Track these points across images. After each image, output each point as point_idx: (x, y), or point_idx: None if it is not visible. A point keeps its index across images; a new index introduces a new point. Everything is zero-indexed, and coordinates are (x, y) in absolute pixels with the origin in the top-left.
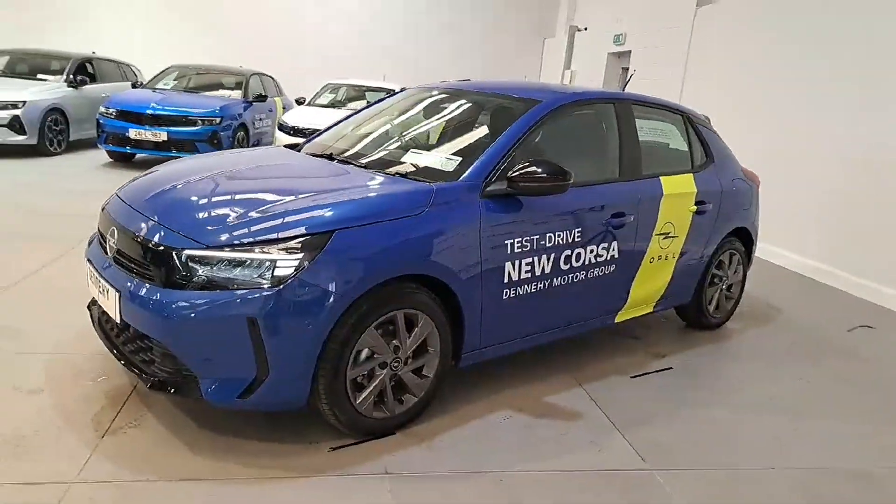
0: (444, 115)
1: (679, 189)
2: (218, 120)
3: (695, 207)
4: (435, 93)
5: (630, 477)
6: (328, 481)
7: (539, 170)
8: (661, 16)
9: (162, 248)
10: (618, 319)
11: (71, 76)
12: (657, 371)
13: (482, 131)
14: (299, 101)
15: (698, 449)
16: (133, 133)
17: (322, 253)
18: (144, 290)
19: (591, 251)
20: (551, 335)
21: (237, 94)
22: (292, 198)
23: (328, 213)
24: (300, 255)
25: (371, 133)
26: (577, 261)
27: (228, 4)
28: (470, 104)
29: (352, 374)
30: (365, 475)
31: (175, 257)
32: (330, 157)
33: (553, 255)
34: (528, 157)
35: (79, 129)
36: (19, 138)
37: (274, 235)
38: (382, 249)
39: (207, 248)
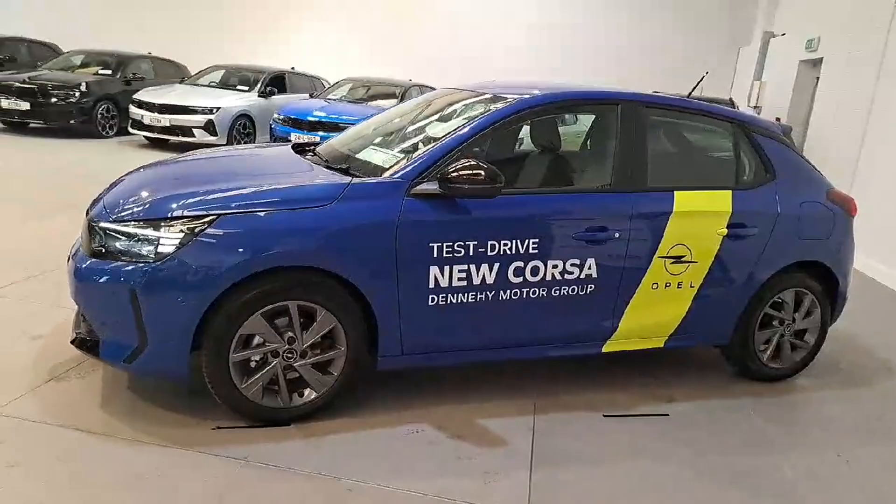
0: (431, 116)
1: (701, 206)
2: None
3: (725, 230)
4: (446, 93)
5: None
6: (187, 455)
7: (466, 172)
8: (859, 17)
9: (91, 221)
10: (606, 349)
11: (263, 88)
12: (644, 415)
13: (445, 131)
14: None
15: None
16: (294, 137)
17: (201, 234)
18: (79, 258)
19: (555, 266)
20: (507, 354)
21: (392, 102)
22: (205, 185)
23: (216, 198)
24: (181, 235)
25: (367, 132)
26: (533, 275)
27: (415, 25)
28: (462, 105)
29: (235, 357)
30: (224, 457)
31: (94, 228)
32: (312, 153)
33: (498, 265)
34: (472, 159)
35: (263, 132)
36: (212, 139)
37: (163, 215)
38: (269, 237)
39: (112, 221)
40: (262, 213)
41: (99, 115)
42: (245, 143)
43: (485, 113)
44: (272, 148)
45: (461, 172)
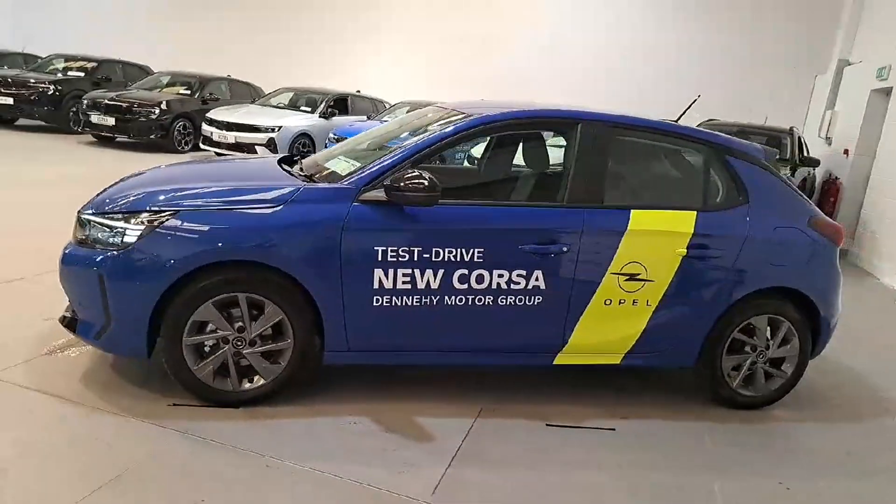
0: (405, 130)
1: (659, 226)
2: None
3: (685, 251)
4: (431, 111)
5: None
6: (133, 423)
7: (408, 181)
8: None
9: (79, 213)
10: (557, 362)
11: (325, 109)
12: (590, 428)
13: (409, 143)
14: None
15: None
16: None
17: (159, 227)
18: (67, 245)
19: (501, 276)
20: (455, 359)
21: None
22: (177, 185)
23: (177, 196)
24: (142, 228)
25: (351, 145)
26: (478, 282)
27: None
28: (434, 121)
29: (189, 340)
30: (167, 429)
31: (81, 219)
32: (291, 163)
33: (443, 272)
34: (418, 170)
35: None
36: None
37: (133, 209)
38: (220, 233)
39: (94, 213)
40: (216, 212)
41: (176, 132)
42: None
43: (443, 129)
44: (263, 159)
45: (404, 181)
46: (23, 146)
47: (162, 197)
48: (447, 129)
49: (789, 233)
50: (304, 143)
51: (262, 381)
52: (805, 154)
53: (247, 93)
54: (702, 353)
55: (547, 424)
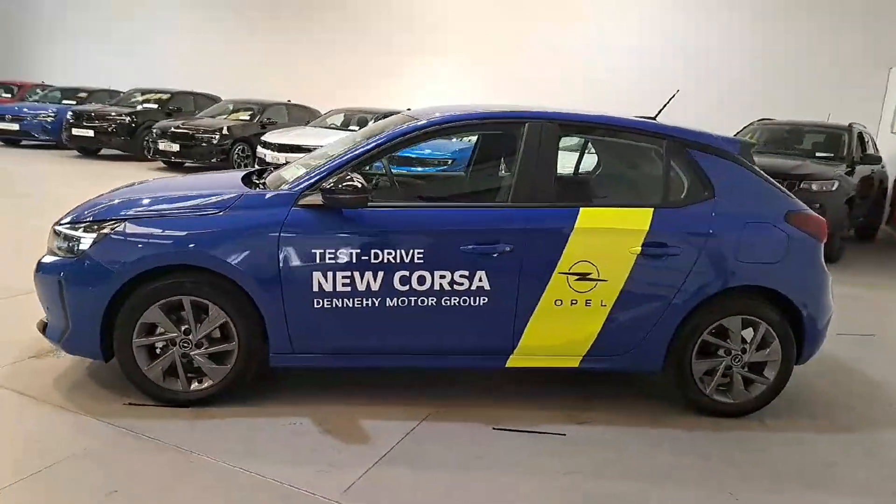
0: (362, 137)
1: (610, 224)
2: (450, 161)
3: (639, 249)
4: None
5: (317, 501)
6: (83, 419)
7: (341, 184)
8: None
9: (53, 225)
10: (510, 364)
11: None
12: (539, 432)
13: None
14: None
15: None
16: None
17: (108, 236)
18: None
19: (443, 277)
20: (402, 361)
21: None
22: (138, 196)
23: (131, 205)
24: (94, 236)
25: (313, 156)
26: (420, 284)
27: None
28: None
29: (137, 342)
30: (113, 426)
31: (54, 231)
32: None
33: (383, 274)
34: (352, 173)
35: None
36: None
37: (93, 218)
38: (164, 239)
39: (63, 224)
40: (160, 219)
41: (235, 155)
42: None
43: (382, 135)
44: (231, 172)
45: (337, 184)
46: (99, 173)
47: (118, 207)
48: (383, 136)
49: (761, 228)
50: None
51: (209, 382)
52: (869, 151)
53: (304, 116)
54: (669, 356)
55: (494, 428)
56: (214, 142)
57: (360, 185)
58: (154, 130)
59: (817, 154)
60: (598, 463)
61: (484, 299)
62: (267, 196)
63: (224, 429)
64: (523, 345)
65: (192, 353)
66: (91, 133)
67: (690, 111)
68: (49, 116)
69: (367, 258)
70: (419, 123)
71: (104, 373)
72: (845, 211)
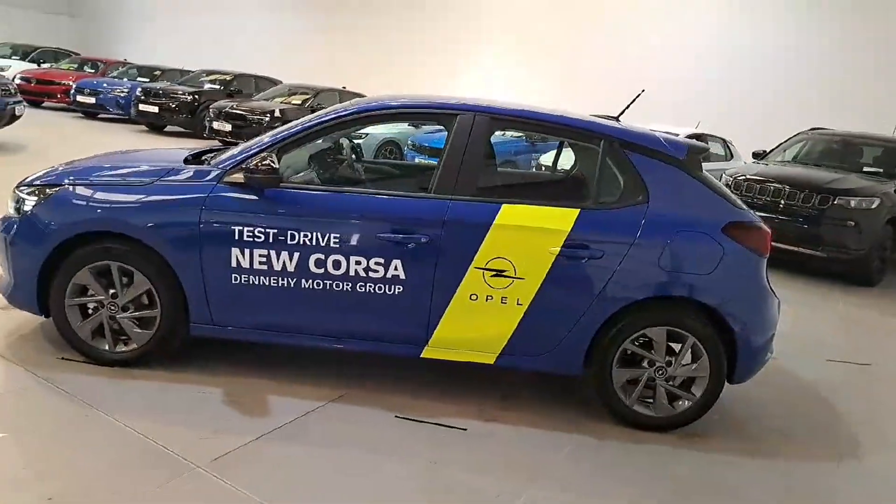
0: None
1: (530, 222)
2: None
3: (557, 249)
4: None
5: (180, 465)
6: (15, 370)
7: (258, 164)
8: None
9: (15, 188)
10: (425, 355)
11: None
12: (438, 424)
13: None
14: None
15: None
16: (416, 160)
17: (46, 199)
18: None
19: (358, 262)
20: (317, 341)
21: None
22: (88, 165)
23: (75, 172)
24: (35, 199)
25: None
26: (335, 268)
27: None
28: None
29: (70, 301)
30: (37, 377)
31: (14, 192)
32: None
33: (298, 255)
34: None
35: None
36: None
37: (40, 183)
38: (93, 206)
39: (17, 186)
40: (94, 187)
41: None
42: None
43: (311, 119)
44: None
45: (255, 164)
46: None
47: (65, 174)
48: (313, 120)
49: (694, 237)
50: (390, 150)
51: (134, 346)
52: None
53: None
54: (589, 361)
55: (396, 416)
56: (265, 123)
57: (272, 167)
58: (211, 110)
59: (865, 169)
60: (480, 458)
61: (399, 288)
62: (195, 171)
63: (136, 389)
64: (438, 336)
65: (117, 316)
66: (156, 109)
67: (750, 117)
68: (122, 92)
69: (283, 239)
70: (344, 110)
71: (54, 329)
72: (889, 232)
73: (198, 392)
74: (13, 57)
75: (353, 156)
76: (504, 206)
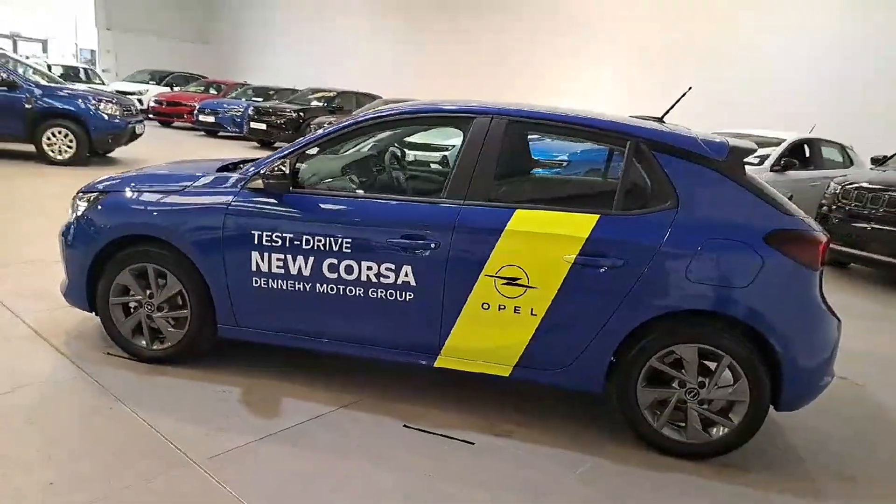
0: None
1: (545, 228)
2: (565, 163)
3: (573, 257)
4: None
5: (178, 459)
6: (64, 362)
7: (274, 170)
8: None
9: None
10: (439, 365)
11: None
12: (445, 436)
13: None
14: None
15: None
16: None
17: (97, 203)
18: None
19: (369, 268)
20: (337, 347)
21: None
22: (137, 174)
23: (123, 181)
24: (86, 204)
25: None
26: (347, 273)
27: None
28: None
29: (114, 300)
30: (79, 368)
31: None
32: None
33: (313, 259)
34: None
35: None
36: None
37: (92, 190)
38: (132, 211)
39: (78, 192)
40: (136, 195)
41: None
42: None
43: (335, 126)
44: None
45: (271, 170)
46: None
47: (118, 182)
48: (332, 127)
49: (727, 246)
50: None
51: (168, 344)
52: None
53: None
54: (611, 378)
55: (404, 425)
56: None
57: (284, 172)
58: (312, 126)
59: None
60: (481, 473)
61: (410, 294)
62: (222, 178)
63: (163, 386)
64: (450, 346)
65: (154, 315)
66: (264, 126)
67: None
68: (238, 111)
69: (298, 243)
70: (360, 117)
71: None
72: None
73: (219, 391)
74: (150, 82)
75: (395, 163)
76: (517, 212)
